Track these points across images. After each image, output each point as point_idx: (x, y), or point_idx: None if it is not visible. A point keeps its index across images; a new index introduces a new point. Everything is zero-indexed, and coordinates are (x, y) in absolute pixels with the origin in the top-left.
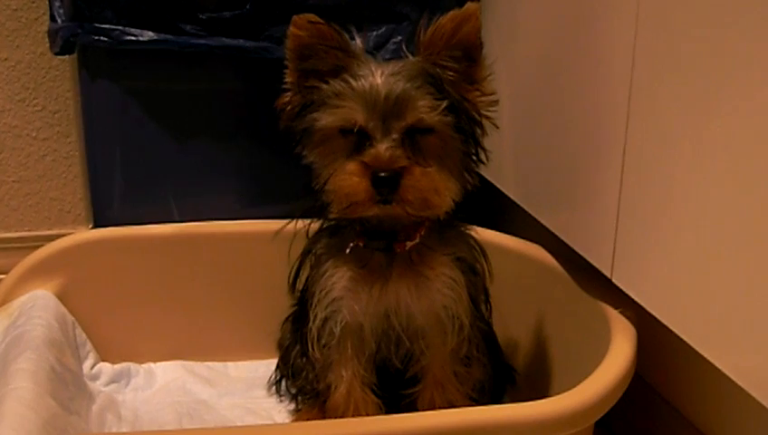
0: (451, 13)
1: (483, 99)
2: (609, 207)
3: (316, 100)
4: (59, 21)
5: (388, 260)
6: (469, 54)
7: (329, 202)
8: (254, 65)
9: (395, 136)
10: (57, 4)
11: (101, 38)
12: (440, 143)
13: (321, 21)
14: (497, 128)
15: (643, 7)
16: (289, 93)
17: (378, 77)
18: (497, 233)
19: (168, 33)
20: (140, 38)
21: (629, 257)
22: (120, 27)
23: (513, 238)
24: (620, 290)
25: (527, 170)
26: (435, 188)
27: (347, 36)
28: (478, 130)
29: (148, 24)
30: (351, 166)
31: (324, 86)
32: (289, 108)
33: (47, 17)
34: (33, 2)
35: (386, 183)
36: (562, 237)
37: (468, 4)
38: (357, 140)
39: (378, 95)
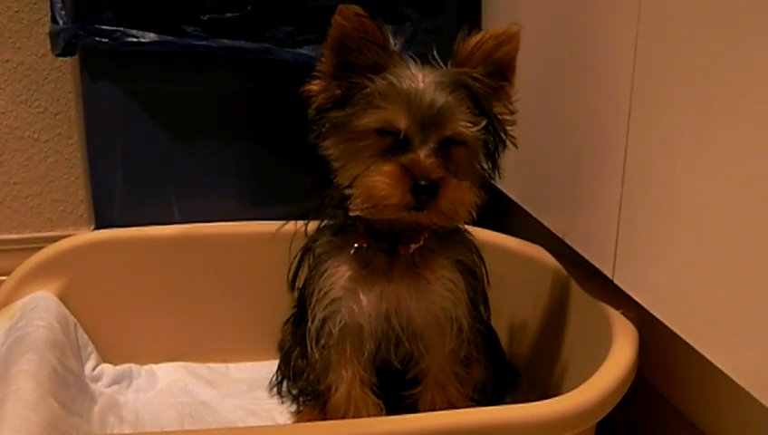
0: (493, 30)
1: (508, 117)
2: (610, 208)
3: (354, 95)
4: (60, 22)
5: (389, 261)
6: (503, 73)
7: (349, 198)
8: (256, 67)
9: (432, 145)
10: (59, 5)
11: (103, 40)
12: (468, 157)
13: (366, 14)
14: (516, 148)
15: (644, 8)
16: (319, 81)
17: (420, 82)
18: (499, 234)
19: (169, 35)
20: (142, 40)
21: (631, 258)
22: (121, 29)
23: (515, 239)
24: (622, 291)
25: (529, 172)
26: (465, 200)
27: (388, 34)
28: (501, 148)
29: (150, 25)
30: (390, 168)
31: (366, 83)
32: (321, 97)
33: (48, 19)
34: (35, 3)
35: (425, 191)
36: (564, 238)
37: (511, 25)
38: (393, 142)
39: (422, 102)
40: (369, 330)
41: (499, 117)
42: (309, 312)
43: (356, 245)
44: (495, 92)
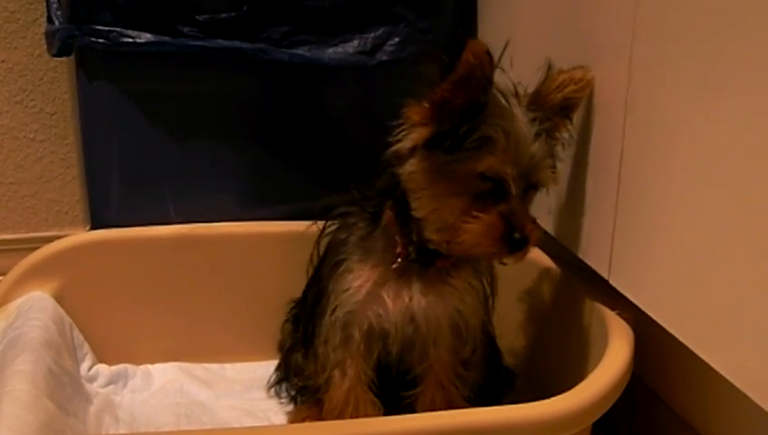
0: (570, 74)
1: (560, 153)
2: (606, 209)
3: (465, 135)
4: (56, 22)
5: (421, 270)
6: (568, 113)
7: (424, 227)
8: (252, 67)
9: (520, 192)
10: (54, 5)
11: (99, 40)
12: (534, 196)
13: (489, 51)
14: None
15: (641, 9)
16: (423, 111)
17: (524, 129)
18: None
19: (165, 35)
20: (138, 40)
21: (627, 259)
22: (117, 29)
23: None
24: (618, 292)
25: None
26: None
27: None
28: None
29: (146, 25)
30: (491, 219)
31: (482, 126)
32: (425, 131)
33: (44, 19)
34: (31, 3)
35: (519, 246)
36: (559, 239)
37: (587, 71)
38: (491, 188)
39: (526, 153)
40: (394, 334)
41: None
42: (327, 309)
43: (399, 260)
44: (559, 130)
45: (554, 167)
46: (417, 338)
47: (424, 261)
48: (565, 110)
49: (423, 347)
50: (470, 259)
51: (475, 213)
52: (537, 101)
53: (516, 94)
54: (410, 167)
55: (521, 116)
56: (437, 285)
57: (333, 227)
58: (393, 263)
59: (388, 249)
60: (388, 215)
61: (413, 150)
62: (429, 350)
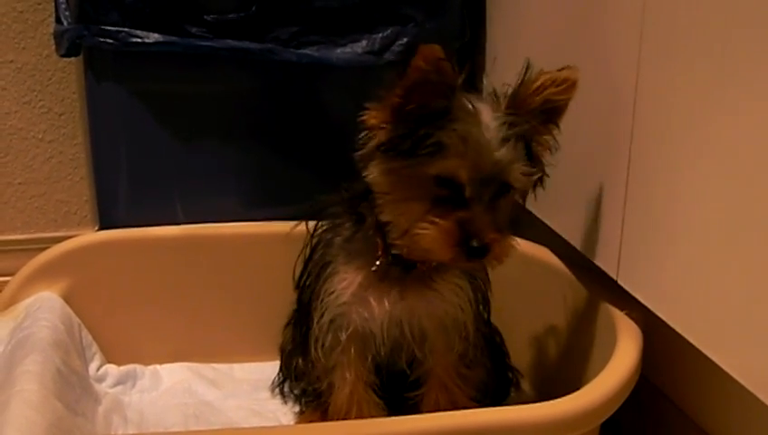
0: (552, 75)
1: (548, 158)
2: (614, 208)
3: (421, 143)
4: (65, 23)
5: (403, 273)
6: (553, 117)
7: (385, 224)
8: (260, 67)
9: (485, 198)
10: (63, 6)
11: (107, 40)
12: (511, 201)
13: (446, 57)
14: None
15: (648, 10)
16: (379, 115)
17: (487, 134)
18: None
19: (173, 36)
20: (146, 40)
21: (635, 259)
22: (125, 29)
23: (519, 240)
24: (626, 292)
25: None
26: (508, 254)
27: (457, 73)
28: (537, 186)
29: (154, 26)
30: (446, 226)
31: (436, 132)
32: (382, 135)
33: (53, 19)
34: (39, 4)
35: (477, 254)
36: (568, 239)
37: (572, 71)
38: (449, 193)
39: (488, 158)
40: (381, 336)
41: (542, 159)
42: (314, 314)
43: (378, 263)
44: (540, 133)
45: (532, 172)
46: (404, 340)
47: (404, 264)
48: (547, 113)
49: (410, 349)
50: (433, 263)
51: (432, 219)
52: (515, 104)
53: (496, 97)
54: (373, 170)
55: (487, 120)
56: (420, 288)
57: (323, 228)
58: (373, 266)
59: (370, 252)
60: (370, 216)
61: (373, 154)
62: (417, 352)
